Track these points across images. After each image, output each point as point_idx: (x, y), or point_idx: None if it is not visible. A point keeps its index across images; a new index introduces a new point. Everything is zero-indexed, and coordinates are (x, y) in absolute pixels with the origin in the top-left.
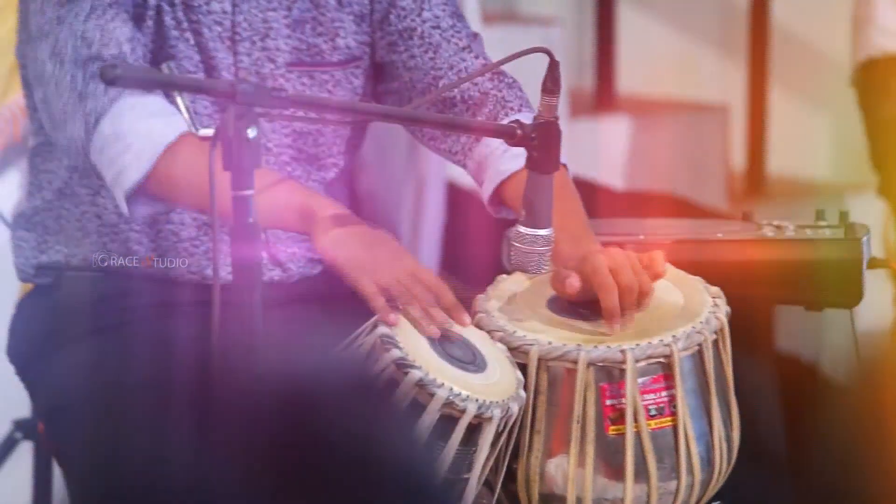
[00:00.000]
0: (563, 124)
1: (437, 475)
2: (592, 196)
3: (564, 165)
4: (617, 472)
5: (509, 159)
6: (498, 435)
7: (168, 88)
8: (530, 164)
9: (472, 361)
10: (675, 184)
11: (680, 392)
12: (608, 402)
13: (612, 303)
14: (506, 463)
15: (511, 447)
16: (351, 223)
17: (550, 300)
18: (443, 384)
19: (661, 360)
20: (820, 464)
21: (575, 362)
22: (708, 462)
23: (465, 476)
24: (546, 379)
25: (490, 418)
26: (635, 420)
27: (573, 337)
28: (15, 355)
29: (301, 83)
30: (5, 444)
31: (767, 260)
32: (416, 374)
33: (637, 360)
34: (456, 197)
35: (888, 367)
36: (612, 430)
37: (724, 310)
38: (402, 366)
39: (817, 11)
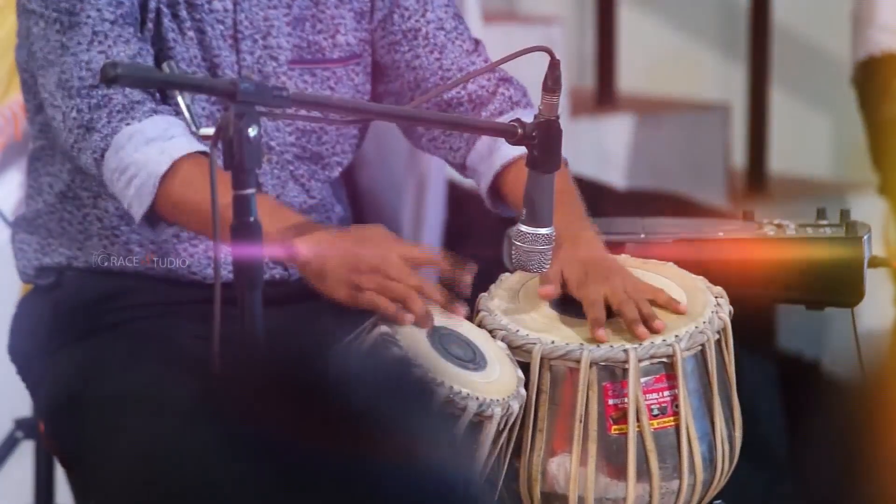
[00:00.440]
0: (564, 123)
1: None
2: (593, 195)
3: (565, 163)
4: (619, 472)
5: (504, 154)
6: (499, 433)
7: (168, 87)
8: (531, 162)
9: (472, 359)
10: (676, 182)
11: (682, 392)
12: (611, 402)
13: (597, 315)
14: (507, 461)
15: (512, 445)
16: (327, 243)
17: (553, 299)
18: (443, 382)
19: (664, 359)
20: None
21: (578, 361)
22: (710, 462)
23: None
24: (549, 378)
25: (490, 416)
26: (638, 419)
27: (576, 336)
28: (16, 354)
29: (303, 81)
30: (6, 443)
31: (769, 259)
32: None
33: (640, 360)
34: (457, 195)
35: (890, 366)
36: (614, 430)
37: (726, 309)
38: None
39: (818, 10)
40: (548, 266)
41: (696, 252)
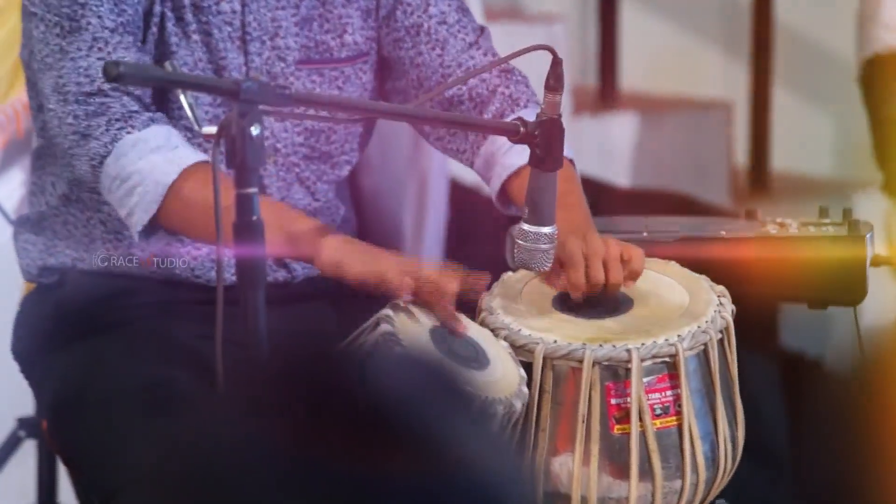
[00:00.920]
0: (566, 122)
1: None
2: (596, 193)
3: (571, 160)
4: (622, 471)
5: (515, 154)
6: (501, 432)
7: (171, 86)
8: (533, 161)
9: (474, 358)
10: (678, 181)
11: (685, 391)
12: (613, 401)
13: (577, 279)
14: None
15: (514, 444)
16: (347, 241)
17: (556, 298)
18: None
19: (667, 359)
20: (824, 462)
21: (580, 361)
22: (713, 461)
23: None
24: (551, 377)
25: (493, 415)
26: (640, 419)
27: (579, 335)
28: (19, 353)
29: (311, 81)
30: (9, 442)
31: (771, 258)
32: None
33: (642, 360)
34: (459, 194)
35: (892, 364)
36: (617, 429)
37: (729, 309)
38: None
39: (820, 8)
40: (549, 265)
41: (698, 251)
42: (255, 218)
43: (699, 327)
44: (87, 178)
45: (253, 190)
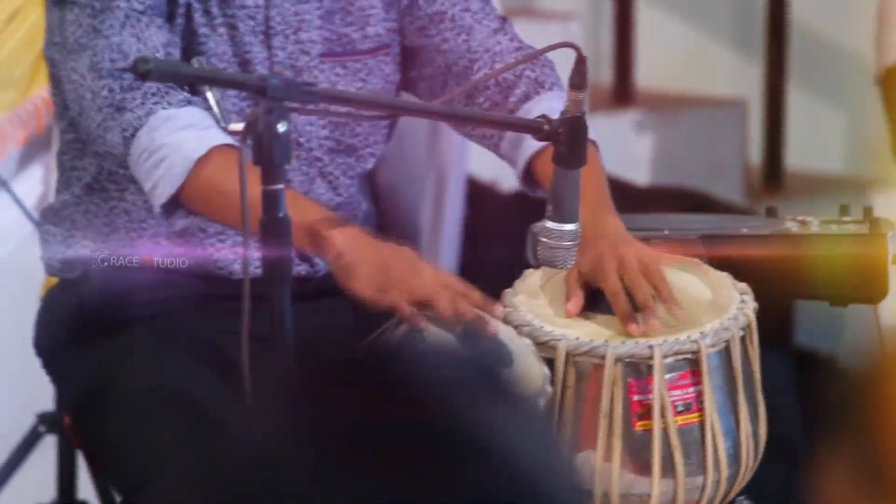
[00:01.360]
0: None
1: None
2: (612, 191)
3: (594, 142)
4: (644, 468)
5: (532, 144)
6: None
7: (199, 82)
8: (556, 158)
9: (497, 356)
10: (692, 178)
11: (707, 388)
12: (635, 398)
13: (623, 309)
14: None
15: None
16: (362, 241)
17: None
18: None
19: (689, 356)
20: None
21: (602, 357)
22: (735, 458)
23: None
24: (573, 374)
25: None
26: (662, 416)
27: (601, 332)
28: (42, 348)
29: (335, 74)
30: (29, 437)
31: (792, 255)
32: None
33: (665, 356)
34: (476, 191)
35: None
36: (639, 426)
37: (751, 306)
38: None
39: (835, 6)
40: (573, 262)
41: (720, 248)
42: (281, 214)
43: (721, 324)
44: (118, 150)
45: (280, 186)
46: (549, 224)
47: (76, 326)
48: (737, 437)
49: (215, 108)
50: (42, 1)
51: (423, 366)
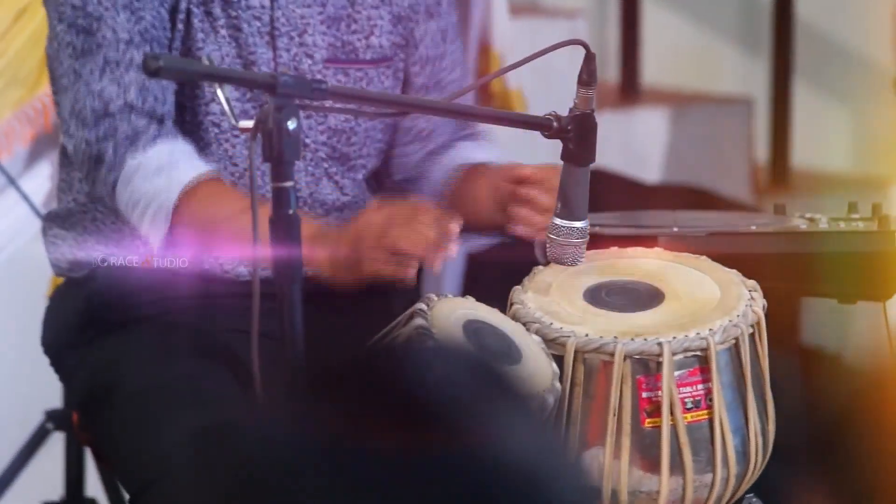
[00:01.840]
0: None
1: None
2: (618, 188)
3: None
4: (652, 465)
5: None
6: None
7: (209, 80)
8: (566, 155)
9: (507, 353)
10: (699, 176)
11: (716, 385)
12: (644, 395)
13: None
14: None
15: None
16: (321, 236)
17: (587, 292)
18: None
19: (698, 353)
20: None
21: (612, 354)
22: (743, 455)
23: None
24: (582, 371)
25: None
26: (671, 413)
27: (610, 329)
28: (49, 346)
29: (337, 80)
30: (37, 434)
31: (801, 253)
32: None
33: (674, 353)
34: None
35: None
36: (648, 423)
37: (760, 303)
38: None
39: (841, 4)
40: (583, 259)
41: (728, 245)
42: (291, 212)
43: (731, 321)
44: (108, 201)
45: (289, 183)
46: (558, 221)
47: (83, 325)
48: (746, 434)
49: (225, 106)
50: None
51: (425, 368)
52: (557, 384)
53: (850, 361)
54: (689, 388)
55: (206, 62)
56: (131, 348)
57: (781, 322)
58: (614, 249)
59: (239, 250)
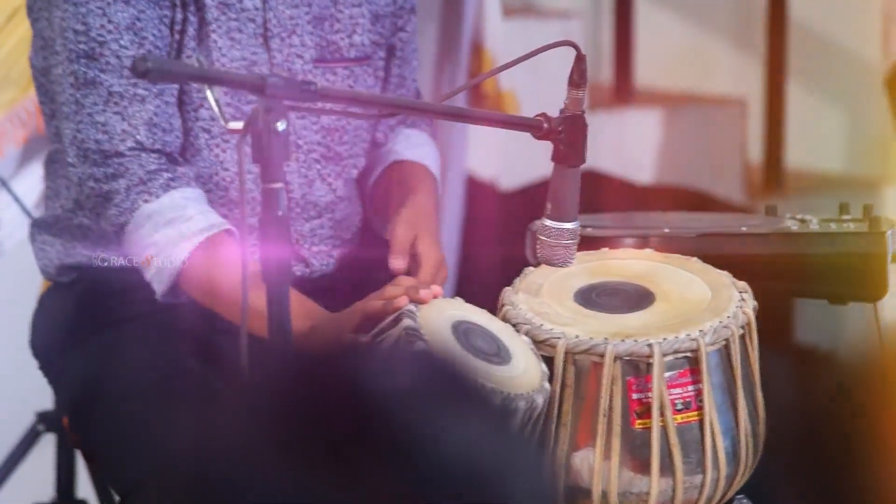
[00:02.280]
0: None
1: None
2: (611, 189)
3: (433, 179)
4: (643, 466)
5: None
6: (523, 428)
7: (198, 81)
8: (556, 156)
9: (496, 353)
10: (693, 177)
11: (706, 387)
12: (635, 396)
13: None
14: None
15: (536, 440)
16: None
17: (577, 293)
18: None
19: (688, 354)
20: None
21: (602, 356)
22: (734, 456)
23: None
24: (573, 372)
25: (515, 410)
26: (661, 414)
27: (600, 330)
28: (38, 349)
29: (326, 80)
30: (28, 436)
31: (792, 254)
32: None
33: (664, 355)
34: (476, 190)
35: None
36: (638, 424)
37: (751, 304)
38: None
39: (834, 4)
40: (573, 261)
41: (719, 247)
42: (280, 214)
43: (721, 322)
44: (114, 237)
45: (279, 185)
46: (548, 222)
47: (71, 327)
48: (736, 435)
49: (215, 108)
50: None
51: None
52: (547, 385)
53: (842, 361)
54: (679, 390)
55: (195, 63)
56: (119, 350)
57: (774, 321)
58: (605, 251)
59: (237, 319)
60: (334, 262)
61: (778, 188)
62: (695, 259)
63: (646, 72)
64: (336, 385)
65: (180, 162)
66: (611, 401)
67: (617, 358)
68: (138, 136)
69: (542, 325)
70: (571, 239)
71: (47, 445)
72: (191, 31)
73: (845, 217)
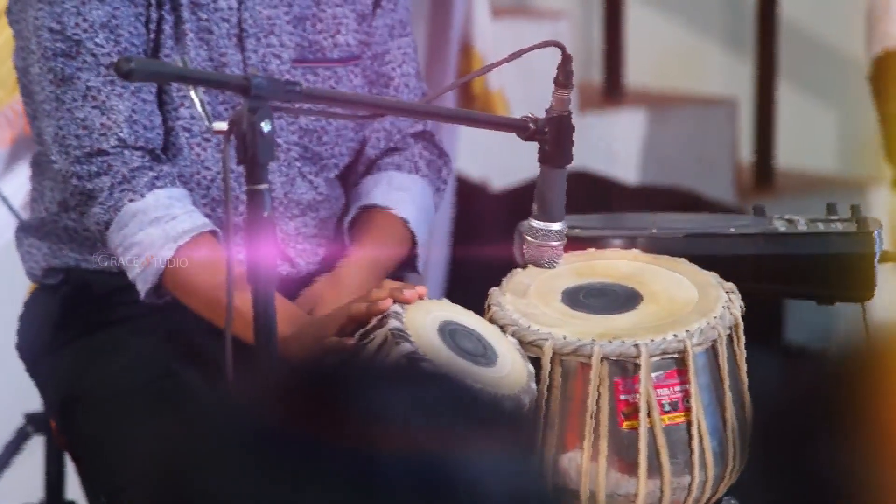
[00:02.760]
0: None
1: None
2: (601, 190)
3: (405, 223)
4: (630, 467)
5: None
6: (509, 428)
7: (182, 82)
8: (542, 157)
9: (482, 354)
10: (683, 177)
11: (694, 387)
12: (622, 397)
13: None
14: None
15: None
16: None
17: (564, 294)
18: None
19: (676, 355)
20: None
21: (589, 357)
22: (721, 457)
23: None
24: (560, 373)
25: (502, 413)
26: (649, 415)
27: (587, 331)
28: (24, 351)
29: (306, 80)
30: (17, 437)
31: (779, 254)
32: None
33: (651, 355)
34: (466, 190)
35: None
36: (625, 425)
37: (738, 305)
38: (414, 359)
39: (825, 5)
40: (559, 262)
41: (707, 247)
42: (265, 214)
43: (708, 323)
44: (98, 235)
45: (264, 186)
46: (535, 223)
47: (57, 330)
48: (723, 436)
49: (199, 108)
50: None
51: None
52: (533, 385)
53: (831, 361)
54: (666, 391)
55: (179, 63)
56: (105, 353)
57: (763, 321)
58: (592, 251)
59: (220, 321)
60: (321, 261)
61: (769, 188)
62: (682, 259)
63: (636, 72)
64: (319, 391)
65: (164, 160)
66: (598, 402)
67: (604, 359)
68: (120, 134)
69: (529, 325)
70: (558, 239)
71: (36, 447)
72: (167, 29)
73: (833, 217)
